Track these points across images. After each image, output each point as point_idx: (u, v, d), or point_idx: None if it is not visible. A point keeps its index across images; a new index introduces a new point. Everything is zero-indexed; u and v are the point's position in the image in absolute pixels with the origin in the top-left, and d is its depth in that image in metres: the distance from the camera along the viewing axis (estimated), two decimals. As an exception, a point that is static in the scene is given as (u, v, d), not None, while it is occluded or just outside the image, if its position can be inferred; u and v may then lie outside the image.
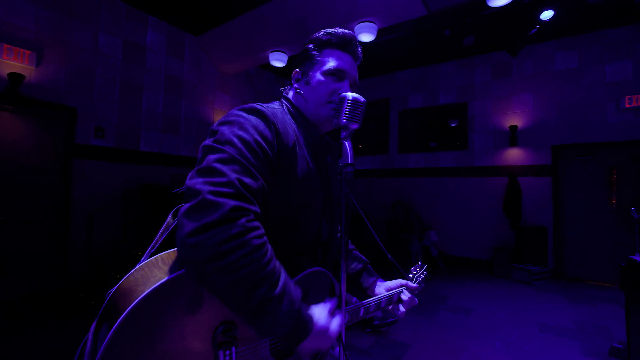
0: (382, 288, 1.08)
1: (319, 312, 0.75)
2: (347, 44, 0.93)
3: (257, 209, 0.67)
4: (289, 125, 0.85)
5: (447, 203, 5.80)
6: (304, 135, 0.90)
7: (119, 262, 3.75)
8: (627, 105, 4.47)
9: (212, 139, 0.72)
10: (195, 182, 0.63)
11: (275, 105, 0.91)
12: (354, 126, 0.83)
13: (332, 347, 0.97)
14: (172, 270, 0.69)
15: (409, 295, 1.08)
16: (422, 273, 1.24)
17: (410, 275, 1.19)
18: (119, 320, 0.58)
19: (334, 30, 0.93)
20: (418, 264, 1.27)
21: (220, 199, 0.61)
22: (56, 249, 3.76)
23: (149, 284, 0.64)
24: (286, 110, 0.91)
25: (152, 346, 0.61)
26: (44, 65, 3.66)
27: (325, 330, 0.74)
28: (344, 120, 0.82)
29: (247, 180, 0.66)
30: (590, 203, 4.79)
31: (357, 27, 4.05)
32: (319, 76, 0.90)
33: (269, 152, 0.73)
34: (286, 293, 0.66)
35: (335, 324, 0.77)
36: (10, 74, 3.35)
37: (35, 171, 3.67)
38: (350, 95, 0.83)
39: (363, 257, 1.17)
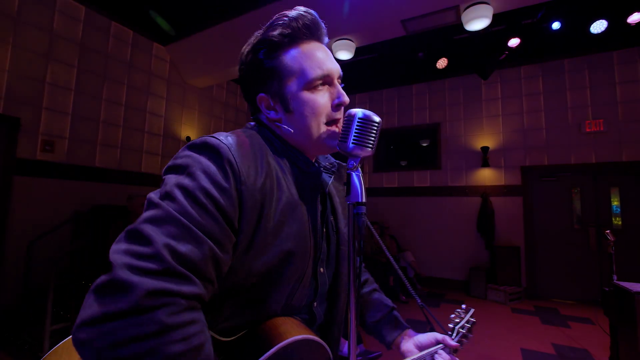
0: (412, 343, 0.82)
1: None
2: (313, 28, 0.69)
3: (194, 289, 0.46)
4: (261, 155, 0.63)
5: (422, 223, 5.78)
6: (287, 165, 0.69)
7: (63, 295, 3.27)
8: (587, 130, 4.72)
9: (156, 191, 0.54)
10: (115, 249, 0.45)
11: (243, 130, 0.70)
12: (367, 153, 0.65)
13: None
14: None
15: (448, 357, 0.79)
16: (467, 321, 0.89)
17: (451, 325, 0.88)
18: None
19: (284, 18, 0.68)
20: (462, 307, 0.94)
21: (135, 279, 0.41)
22: (-15, 281, 3.20)
23: None
24: (260, 135, 0.69)
25: None
26: (-19, 69, 3.21)
27: None
28: (352, 145, 0.63)
29: (184, 248, 0.47)
30: (556, 222, 4.94)
31: (335, 45, 3.99)
32: (301, 95, 0.68)
33: (223, 202, 0.54)
34: None
35: None
36: (-63, 77, 2.88)
37: (-36, 190, 3.15)
38: (360, 112, 0.64)
39: (388, 301, 0.93)
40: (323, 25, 0.72)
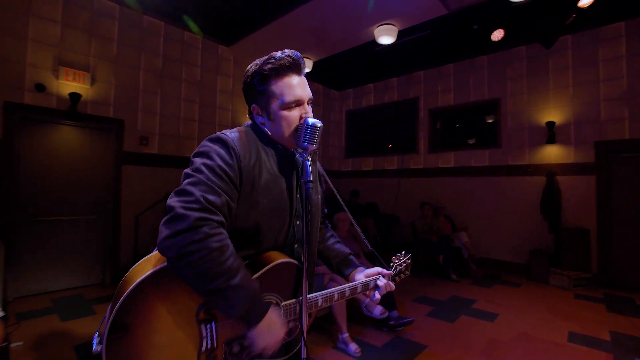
0: (362, 275, 1.17)
1: (273, 311, 0.89)
2: (292, 67, 0.97)
3: (220, 218, 0.83)
4: (253, 145, 0.97)
5: (480, 204, 5.60)
6: (267, 149, 1.01)
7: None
8: (685, 95, 4.02)
9: (189, 168, 0.89)
10: (171, 200, 0.81)
11: (242, 128, 1.03)
12: (312, 147, 0.96)
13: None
14: (158, 264, 0.86)
15: (385, 281, 1.17)
16: (404, 262, 1.31)
17: (391, 264, 1.28)
18: (118, 303, 0.76)
19: (272, 59, 0.96)
20: (402, 252, 1.34)
21: (188, 212, 0.78)
22: (109, 245, 4.26)
23: (141, 275, 0.81)
24: (253, 131, 1.03)
25: (146, 323, 0.78)
26: (96, 84, 4.17)
27: (272, 323, 0.87)
28: (305, 144, 0.95)
29: (211, 197, 0.82)
30: (638, 204, 4.36)
31: (377, 30, 4.10)
32: (279, 112, 0.96)
33: (230, 173, 0.88)
34: (242, 285, 0.81)
35: (283, 326, 0.91)
36: (70, 94, 3.87)
37: (92, 177, 4.21)
38: (310, 121, 0.95)
39: (346, 249, 1.28)
40: (302, 62, 1.01)
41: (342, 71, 6.86)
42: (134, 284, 0.78)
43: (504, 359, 2.55)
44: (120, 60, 4.38)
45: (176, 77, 4.98)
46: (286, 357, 1.03)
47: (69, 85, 3.92)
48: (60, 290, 3.91)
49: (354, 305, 3.03)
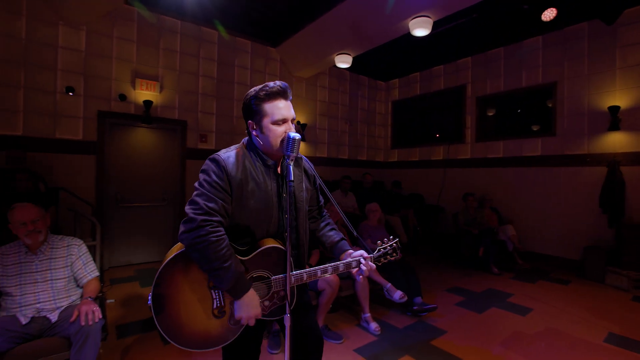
0: (349, 257, 1.42)
1: (252, 293, 1.20)
2: (280, 93, 1.27)
3: (218, 219, 1.17)
4: (242, 161, 1.28)
5: (530, 196, 5.30)
6: (256, 162, 1.32)
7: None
8: None
9: (197, 182, 1.24)
10: (186, 208, 1.19)
11: (239, 146, 1.36)
12: (293, 155, 1.25)
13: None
14: (180, 249, 1.24)
15: (364, 262, 1.38)
16: (389, 245, 1.49)
17: (377, 247, 1.49)
18: (156, 274, 1.15)
19: (266, 87, 1.26)
20: (389, 237, 1.53)
21: (195, 216, 1.14)
22: (176, 227, 5.05)
23: (170, 256, 1.20)
24: (244, 149, 1.34)
25: (175, 287, 1.17)
26: (164, 91, 4.91)
27: (250, 301, 1.19)
28: (288, 152, 1.25)
29: (211, 204, 1.17)
30: None
31: (411, 23, 4.12)
32: (269, 126, 1.27)
33: (222, 184, 1.21)
34: (230, 267, 1.14)
35: (258, 307, 1.21)
36: (145, 101, 4.64)
37: (162, 170, 5.00)
38: (292, 134, 1.24)
39: (339, 234, 1.54)
40: (289, 91, 1.31)
41: (388, 62, 6.87)
42: (165, 261, 1.17)
43: (523, 351, 2.57)
44: (182, 68, 5.06)
45: (229, 80, 5.56)
46: (280, 316, 1.35)
47: (143, 93, 4.69)
48: (141, 264, 4.79)
49: (380, 290, 3.26)
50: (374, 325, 2.86)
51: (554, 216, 5.03)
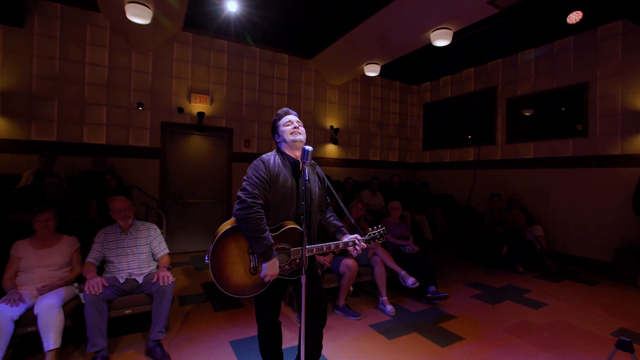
0: (346, 238, 1.88)
1: (275, 260, 1.69)
2: (288, 112, 1.89)
3: (260, 202, 1.70)
4: (276, 161, 1.81)
5: (561, 197, 5.28)
6: (285, 162, 1.84)
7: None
8: None
9: (246, 175, 1.78)
10: (239, 192, 1.72)
11: (273, 151, 1.88)
12: (307, 162, 1.75)
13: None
14: (233, 223, 1.78)
15: (357, 242, 1.85)
16: (377, 232, 1.93)
17: (367, 232, 1.95)
18: (214, 240, 1.71)
19: (281, 112, 1.91)
20: (377, 225, 1.97)
21: (246, 198, 1.67)
22: (223, 221, 5.80)
23: (225, 228, 1.75)
24: (277, 153, 1.87)
25: (225, 251, 1.72)
26: (214, 103, 5.68)
27: (273, 264, 1.68)
28: (304, 160, 1.75)
29: (256, 191, 1.70)
30: None
31: (432, 35, 4.42)
32: (282, 128, 1.85)
33: (265, 177, 1.74)
34: (266, 238, 1.65)
35: (277, 269, 1.69)
36: (198, 112, 5.43)
37: (212, 172, 5.78)
38: (307, 148, 1.74)
39: (339, 223, 2.01)
40: (294, 113, 1.90)
41: (419, 66, 7.11)
42: (222, 231, 1.72)
43: (526, 337, 2.82)
44: (229, 82, 5.80)
45: (269, 90, 6.22)
46: (297, 276, 1.84)
47: (197, 106, 5.49)
48: (195, 251, 5.60)
49: (396, 277, 3.64)
50: (389, 308, 3.26)
51: (585, 217, 4.99)
